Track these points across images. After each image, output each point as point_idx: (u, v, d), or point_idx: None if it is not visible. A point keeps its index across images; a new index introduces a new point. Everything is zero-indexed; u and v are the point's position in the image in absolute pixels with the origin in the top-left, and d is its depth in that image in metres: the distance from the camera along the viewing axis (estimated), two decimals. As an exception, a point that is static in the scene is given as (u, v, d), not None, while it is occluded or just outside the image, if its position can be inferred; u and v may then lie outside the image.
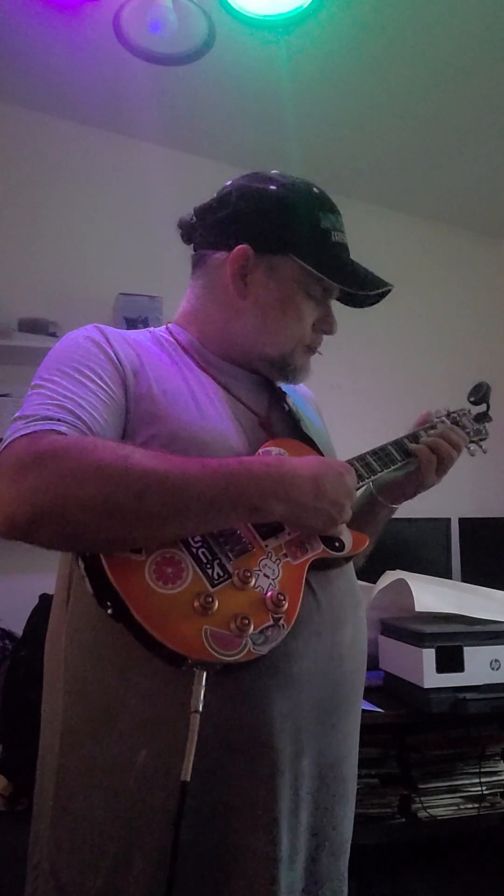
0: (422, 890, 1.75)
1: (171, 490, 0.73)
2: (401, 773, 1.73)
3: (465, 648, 1.60)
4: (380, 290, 0.95)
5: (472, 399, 1.21)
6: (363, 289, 0.95)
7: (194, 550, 0.77)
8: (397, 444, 1.05)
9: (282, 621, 0.77)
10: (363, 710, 1.56)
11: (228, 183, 0.99)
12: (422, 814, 1.70)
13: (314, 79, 2.22)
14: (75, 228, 2.46)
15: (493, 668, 1.62)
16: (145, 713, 0.78)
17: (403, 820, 1.70)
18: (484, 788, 1.75)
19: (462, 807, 1.74)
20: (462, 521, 2.72)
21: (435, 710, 1.57)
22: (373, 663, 1.79)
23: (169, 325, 1.02)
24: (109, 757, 0.79)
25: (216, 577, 0.76)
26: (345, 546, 0.88)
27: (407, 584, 1.76)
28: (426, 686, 1.57)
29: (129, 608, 0.70)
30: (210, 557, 0.77)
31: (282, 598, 0.78)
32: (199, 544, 0.78)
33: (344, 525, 0.88)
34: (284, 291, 0.94)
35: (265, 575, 0.80)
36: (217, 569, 0.77)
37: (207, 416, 0.88)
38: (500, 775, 1.78)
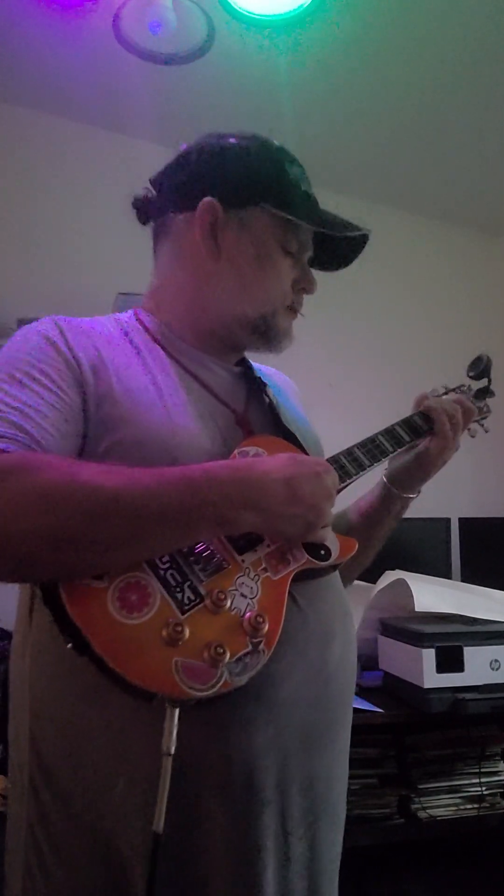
0: (421, 891, 1.74)
1: (125, 510, 0.66)
2: (400, 773, 1.73)
3: (465, 648, 1.60)
4: (359, 232, 0.89)
5: (471, 374, 1.12)
6: (344, 231, 0.88)
7: (162, 573, 0.70)
8: (403, 423, 1.00)
9: (261, 646, 0.71)
10: (363, 711, 1.58)
11: (184, 146, 0.93)
12: (421, 814, 1.70)
13: (314, 78, 2.21)
14: (75, 228, 2.45)
15: (492, 669, 1.61)
16: (117, 745, 0.73)
17: (402, 820, 1.69)
18: (483, 789, 1.75)
19: (462, 807, 1.73)
20: (462, 521, 2.71)
21: (434, 710, 1.56)
22: (372, 663, 1.79)
23: (137, 308, 0.93)
24: (85, 786, 0.73)
25: (186, 602, 0.70)
26: (331, 553, 0.81)
27: (407, 584, 1.75)
28: (426, 686, 1.56)
29: (90, 642, 0.64)
30: (180, 580, 0.71)
31: (260, 619, 0.72)
32: (168, 566, 0.71)
33: (329, 529, 0.81)
34: (260, 247, 0.87)
35: (242, 595, 0.73)
36: (188, 592, 0.70)
37: (176, 415, 0.81)
38: (499, 775, 1.78)
